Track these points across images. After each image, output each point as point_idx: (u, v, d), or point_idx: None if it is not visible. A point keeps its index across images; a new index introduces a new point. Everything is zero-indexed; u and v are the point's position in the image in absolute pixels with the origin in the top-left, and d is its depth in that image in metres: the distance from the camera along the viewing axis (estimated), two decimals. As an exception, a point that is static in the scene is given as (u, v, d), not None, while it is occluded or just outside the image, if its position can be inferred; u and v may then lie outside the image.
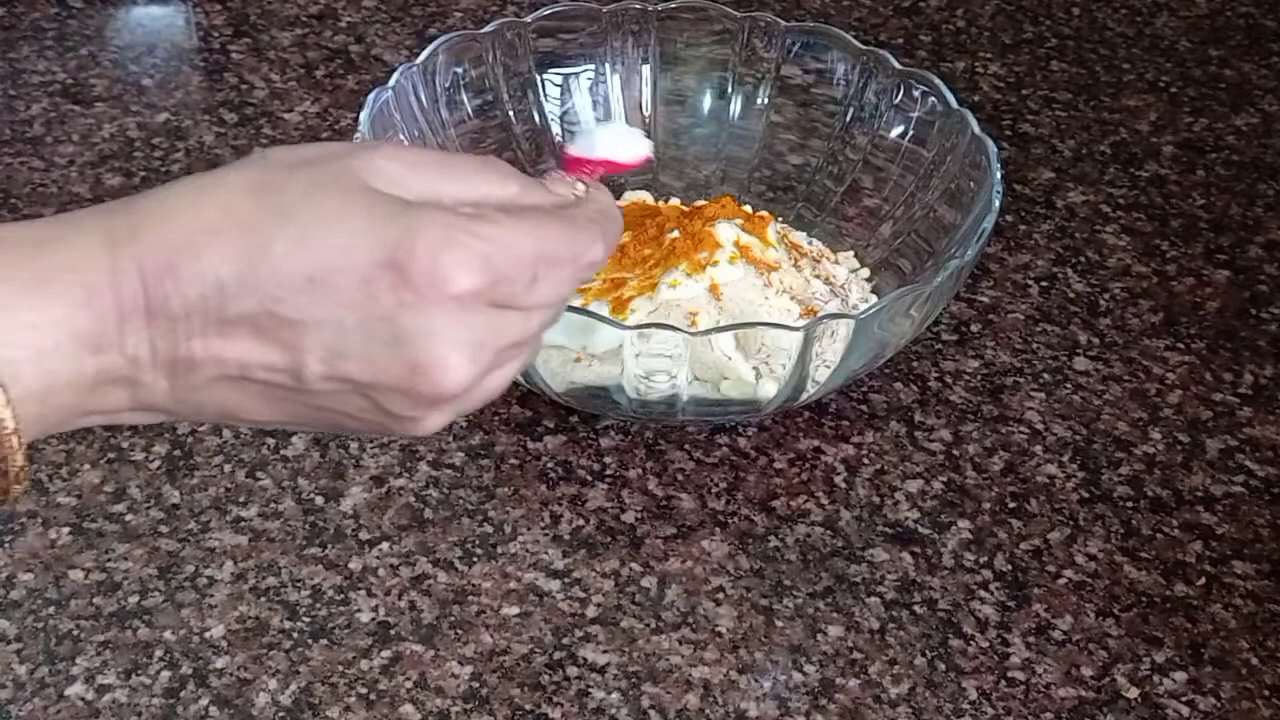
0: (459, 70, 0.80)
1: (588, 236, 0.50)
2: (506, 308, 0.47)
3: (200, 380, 0.46)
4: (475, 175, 0.49)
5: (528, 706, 0.62)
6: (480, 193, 0.48)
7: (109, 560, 0.67)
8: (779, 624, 0.66)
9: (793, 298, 0.74)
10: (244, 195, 0.45)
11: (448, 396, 0.47)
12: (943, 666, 0.65)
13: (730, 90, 0.84)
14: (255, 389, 0.46)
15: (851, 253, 0.81)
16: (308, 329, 0.45)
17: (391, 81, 0.76)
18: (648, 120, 0.85)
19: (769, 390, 0.70)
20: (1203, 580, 0.69)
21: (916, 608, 0.67)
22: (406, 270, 0.45)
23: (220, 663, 0.63)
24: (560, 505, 0.70)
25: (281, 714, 0.62)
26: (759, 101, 0.84)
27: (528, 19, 0.82)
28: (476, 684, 0.63)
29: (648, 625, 0.66)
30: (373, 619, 0.65)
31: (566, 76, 0.84)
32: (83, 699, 0.62)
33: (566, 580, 0.67)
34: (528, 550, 0.68)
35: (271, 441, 0.72)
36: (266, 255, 0.44)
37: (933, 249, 0.77)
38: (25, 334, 0.43)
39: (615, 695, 0.63)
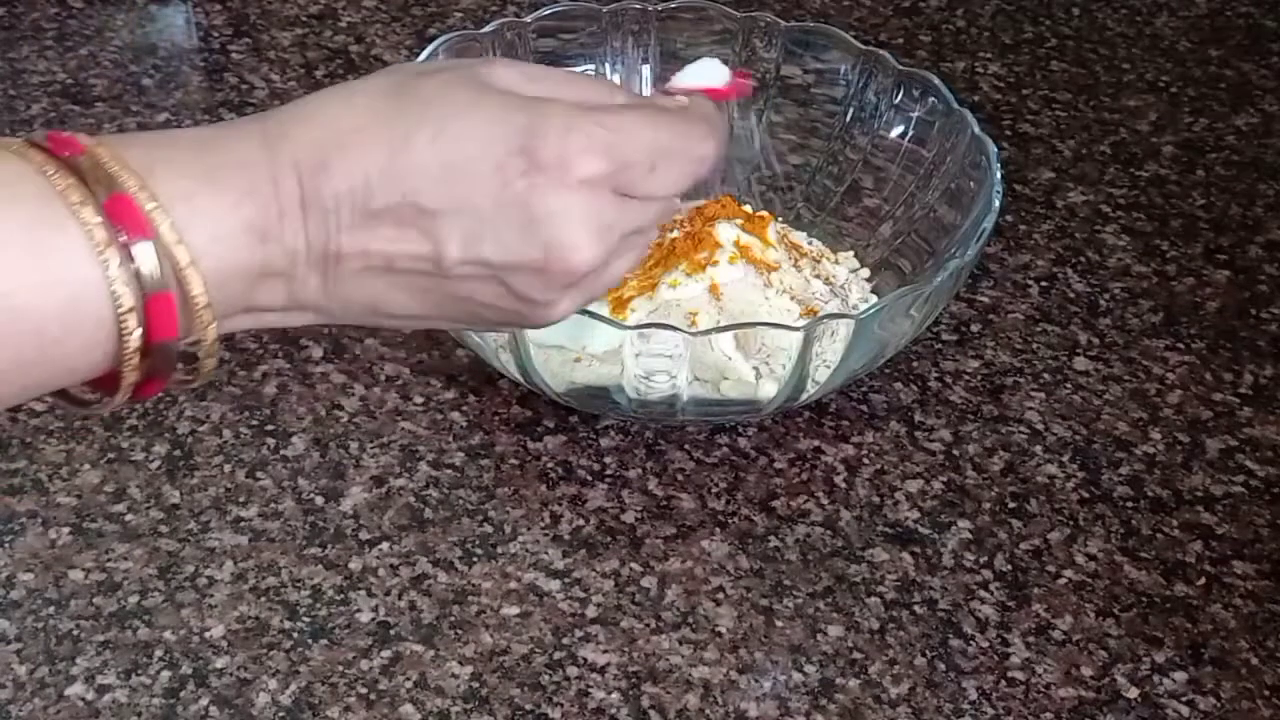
0: (459, 70, 0.80)
1: (700, 131, 0.53)
2: (627, 195, 0.50)
3: (347, 273, 0.48)
4: (588, 84, 0.53)
5: (528, 706, 0.62)
6: (595, 97, 0.51)
7: (109, 560, 0.67)
8: (779, 624, 0.66)
9: (793, 298, 0.74)
10: (383, 97, 0.48)
11: (577, 276, 0.50)
12: (943, 666, 0.65)
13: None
14: (400, 280, 0.49)
15: (851, 253, 0.81)
16: (446, 216, 0.48)
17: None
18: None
19: (769, 390, 0.70)
20: (1203, 580, 0.69)
21: (916, 608, 0.67)
22: (536, 155, 0.48)
23: (220, 663, 0.63)
24: (560, 505, 0.70)
25: (281, 714, 0.62)
26: (759, 101, 0.84)
27: (528, 19, 0.81)
28: (476, 684, 0.63)
29: (648, 625, 0.66)
30: (373, 619, 0.65)
31: (566, 76, 0.84)
32: (83, 699, 0.62)
33: (566, 580, 0.67)
34: (528, 550, 0.68)
35: (271, 442, 0.72)
36: (406, 148, 0.47)
37: (933, 249, 0.77)
38: (206, 218, 0.45)
39: (615, 695, 0.63)
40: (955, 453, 0.74)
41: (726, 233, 0.74)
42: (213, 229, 0.45)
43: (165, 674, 0.63)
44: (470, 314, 0.51)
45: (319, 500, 0.70)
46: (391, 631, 0.65)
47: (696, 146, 0.52)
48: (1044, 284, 0.84)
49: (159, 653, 0.64)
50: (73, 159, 0.44)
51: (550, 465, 0.72)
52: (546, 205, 0.48)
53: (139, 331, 0.44)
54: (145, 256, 0.43)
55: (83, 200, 0.43)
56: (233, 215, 0.45)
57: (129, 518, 0.69)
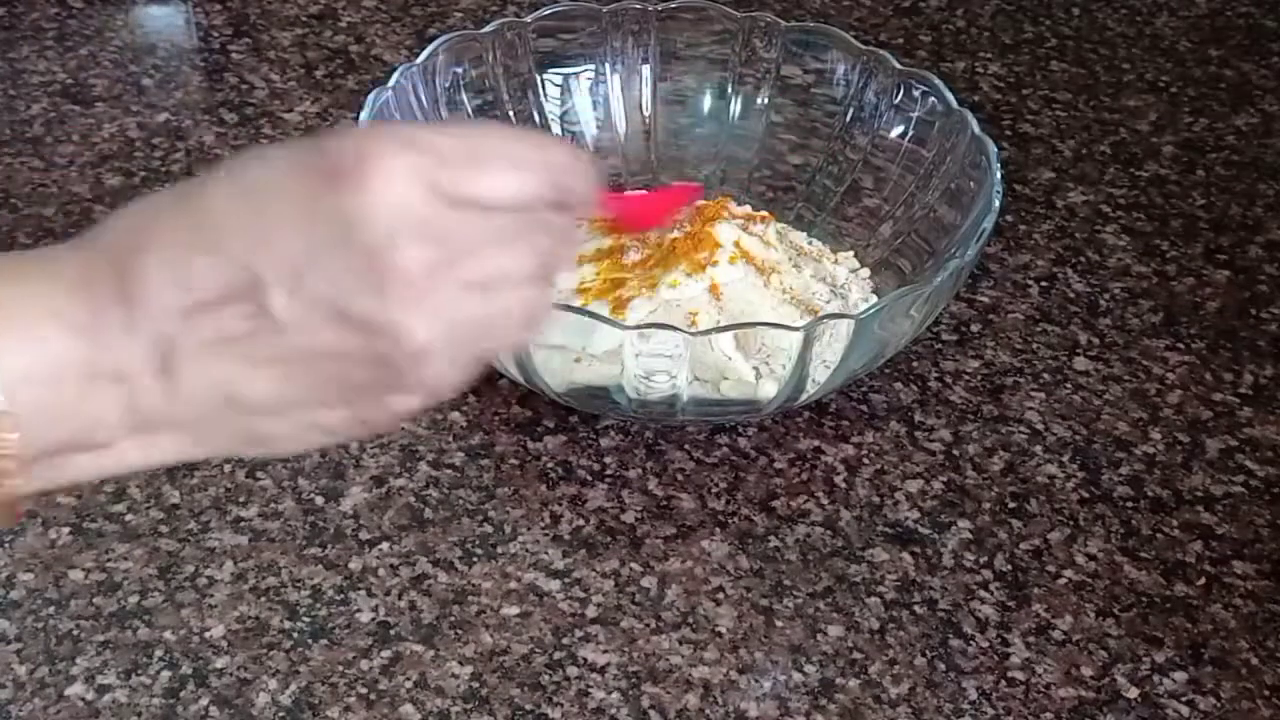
0: (459, 70, 0.80)
1: (542, 139, 0.48)
2: (455, 199, 0.45)
3: (184, 358, 0.44)
4: None
5: (528, 706, 0.62)
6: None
7: (109, 560, 0.67)
8: (779, 624, 0.66)
9: (793, 298, 0.74)
10: (171, 197, 0.46)
11: (414, 275, 0.44)
12: (943, 666, 0.65)
13: (730, 90, 0.84)
14: (240, 350, 0.45)
15: (851, 253, 0.81)
16: (258, 259, 0.44)
17: (391, 81, 0.76)
18: (648, 120, 0.85)
19: (769, 390, 0.70)
20: (1203, 580, 0.69)
21: (916, 608, 0.67)
22: (336, 164, 0.44)
23: (220, 663, 0.63)
24: (560, 505, 0.70)
25: (281, 714, 0.62)
26: (759, 101, 0.84)
27: (528, 19, 0.82)
28: (476, 684, 0.63)
29: (648, 625, 0.66)
30: (373, 619, 0.65)
31: (566, 76, 0.84)
32: (83, 699, 0.62)
33: (566, 580, 0.67)
34: (528, 550, 0.68)
35: (271, 441, 0.72)
36: (207, 212, 0.44)
37: (933, 249, 0.77)
38: (15, 345, 0.43)
39: (615, 695, 0.63)
40: (955, 453, 0.74)
41: (726, 233, 0.74)
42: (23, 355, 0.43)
43: (165, 674, 0.63)
44: (328, 377, 0.46)
45: (319, 500, 0.70)
46: (391, 631, 0.65)
47: (525, 149, 0.47)
48: (1044, 284, 0.84)
49: (159, 653, 0.64)
50: None
51: (550, 465, 0.72)
52: (354, 207, 0.44)
53: None
54: None
55: None
56: (44, 311, 0.43)
57: (129, 518, 0.69)
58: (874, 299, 0.78)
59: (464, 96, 0.80)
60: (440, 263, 0.45)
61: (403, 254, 0.44)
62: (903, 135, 0.80)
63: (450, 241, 0.45)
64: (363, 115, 0.73)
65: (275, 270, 0.44)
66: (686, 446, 0.73)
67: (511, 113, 0.82)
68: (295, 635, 0.64)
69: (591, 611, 0.66)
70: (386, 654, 0.64)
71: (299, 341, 0.45)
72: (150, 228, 0.45)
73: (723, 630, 0.66)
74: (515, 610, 0.66)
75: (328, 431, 0.48)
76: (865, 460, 0.73)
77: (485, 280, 0.46)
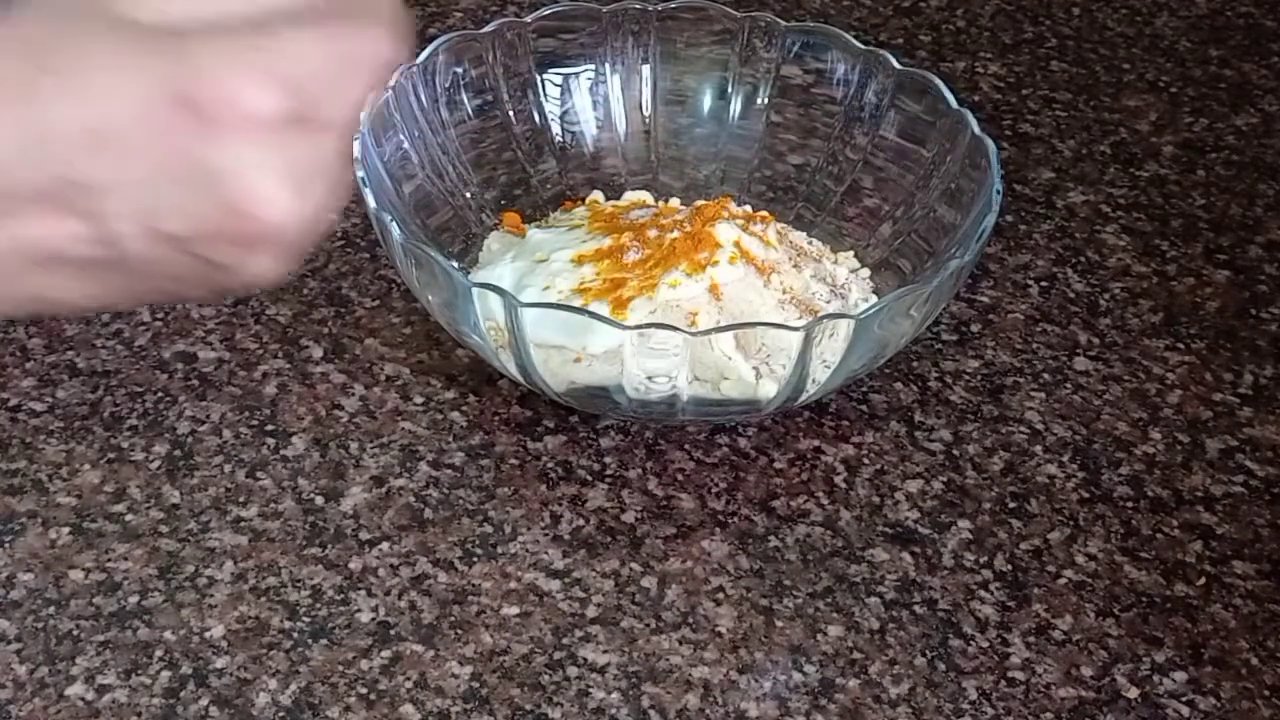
0: (459, 70, 0.80)
1: (376, 33, 0.46)
2: (310, 122, 0.44)
3: (7, 271, 0.42)
4: None
5: (528, 706, 0.62)
6: (259, 6, 0.44)
7: (109, 560, 0.67)
8: (779, 624, 0.66)
9: (793, 298, 0.74)
10: (5, 58, 0.41)
11: (274, 230, 0.43)
12: (943, 666, 0.65)
13: (730, 90, 0.84)
14: (69, 270, 0.43)
15: (851, 253, 0.81)
16: (107, 191, 0.41)
17: (391, 81, 0.75)
18: (648, 120, 0.85)
19: (769, 390, 0.70)
20: (1203, 580, 0.69)
21: (916, 608, 0.67)
22: (195, 102, 0.41)
23: (220, 663, 0.63)
24: (560, 505, 0.70)
25: (281, 714, 0.62)
26: (759, 101, 0.84)
27: (528, 19, 0.81)
28: (476, 684, 0.63)
29: (648, 625, 0.66)
30: (373, 619, 0.65)
31: (566, 76, 0.84)
32: (83, 699, 0.62)
33: (566, 580, 0.67)
34: (528, 550, 0.68)
35: (271, 442, 0.72)
36: (42, 119, 0.41)
37: (933, 249, 0.77)
38: None
39: (615, 695, 0.63)
40: (955, 453, 0.74)
41: (726, 233, 0.74)
42: None
43: (165, 674, 0.63)
44: (159, 290, 0.45)
45: (319, 500, 0.70)
46: (391, 631, 0.65)
47: (377, 50, 0.46)
48: (1044, 284, 0.84)
49: (159, 653, 0.64)
50: None
51: (550, 465, 0.72)
52: (219, 157, 0.42)
53: None
54: None
55: None
56: None
57: (129, 518, 0.69)
58: (874, 299, 0.78)
59: (464, 96, 0.80)
60: (298, 199, 0.43)
61: (269, 209, 0.43)
62: (903, 135, 0.80)
63: (304, 168, 0.44)
64: (362, 115, 0.73)
65: (124, 204, 0.42)
66: (686, 446, 0.73)
67: (511, 113, 0.82)
68: (295, 635, 0.64)
69: (591, 611, 0.66)
70: (386, 654, 0.64)
71: (139, 268, 0.43)
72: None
73: (723, 630, 0.66)
74: (515, 610, 0.66)
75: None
76: (865, 460, 0.73)
77: (319, 191, 0.45)
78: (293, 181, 0.43)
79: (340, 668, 0.63)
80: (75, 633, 0.64)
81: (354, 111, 0.46)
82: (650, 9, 0.83)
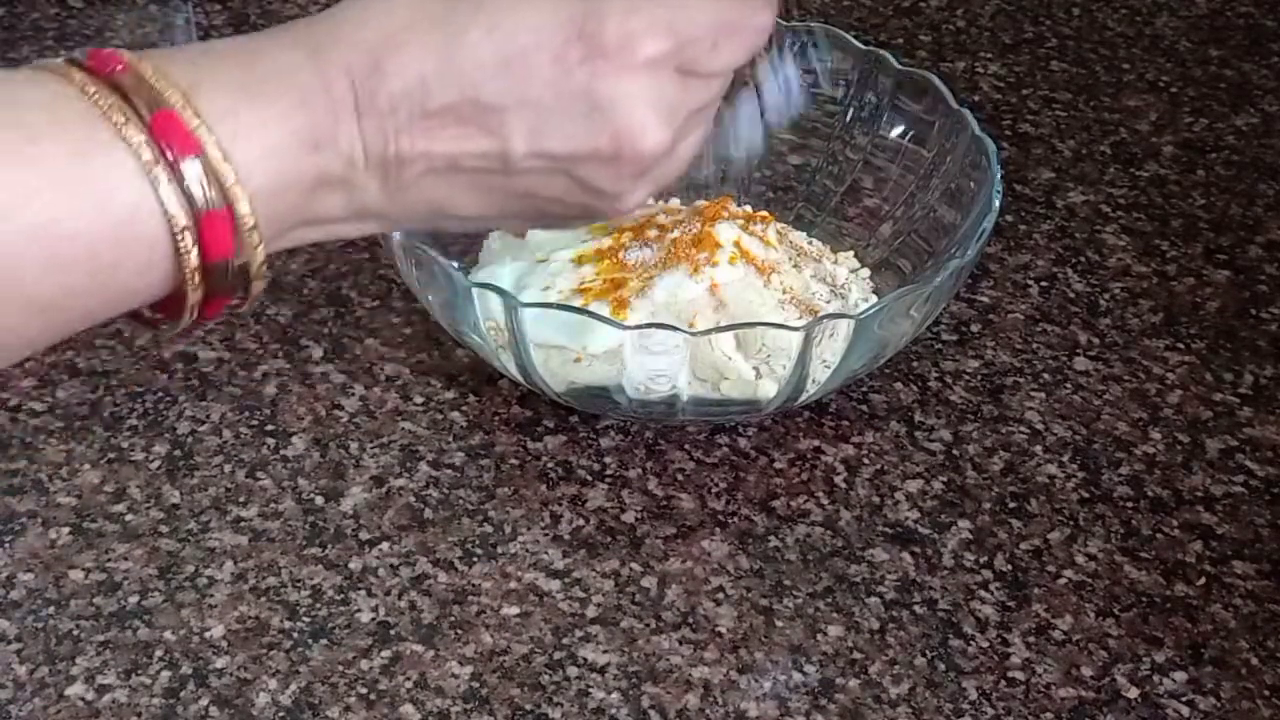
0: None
1: (758, 3, 0.52)
2: (691, 73, 0.49)
3: (410, 177, 0.47)
4: None
5: (528, 706, 0.62)
6: None
7: (109, 560, 0.67)
8: (779, 624, 0.66)
9: (793, 298, 0.74)
10: None
11: (647, 161, 0.49)
12: (943, 666, 0.65)
13: (730, 90, 0.84)
14: (464, 180, 0.48)
15: (851, 253, 0.81)
16: (508, 111, 0.47)
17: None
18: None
19: (769, 390, 0.71)
20: (1203, 580, 0.69)
21: (916, 608, 0.67)
22: (597, 40, 0.47)
23: (220, 663, 0.63)
24: (560, 505, 0.70)
25: (281, 714, 0.62)
26: (759, 101, 0.84)
27: (528, 19, 0.81)
28: (476, 684, 0.63)
29: (648, 625, 0.66)
30: (373, 619, 0.65)
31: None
32: (83, 699, 0.62)
33: (566, 580, 0.67)
34: (528, 550, 0.68)
35: (271, 442, 0.72)
36: (462, 45, 0.46)
37: (933, 249, 0.77)
38: (252, 133, 0.44)
39: (615, 695, 0.63)
40: (955, 453, 0.74)
41: (726, 233, 0.74)
42: (261, 144, 0.44)
43: (165, 674, 0.63)
44: (537, 210, 0.50)
45: (319, 500, 0.70)
46: (391, 631, 0.65)
47: (756, 17, 0.51)
48: (1044, 284, 0.84)
49: (159, 653, 0.64)
50: (115, 76, 0.43)
51: (550, 465, 0.72)
52: (611, 90, 0.47)
53: (195, 250, 0.43)
54: (194, 174, 0.43)
55: (126, 119, 0.42)
56: (281, 127, 0.45)
57: (129, 518, 0.69)
58: (874, 299, 0.78)
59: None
60: (672, 138, 0.49)
61: (645, 140, 0.48)
62: (903, 135, 0.80)
63: (681, 111, 0.49)
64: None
65: (520, 123, 0.47)
66: (686, 446, 0.73)
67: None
68: (295, 635, 0.64)
69: (591, 611, 0.66)
70: (386, 654, 0.64)
71: (524, 184, 0.49)
72: (397, 43, 0.46)
73: (723, 630, 0.66)
74: (515, 610, 0.66)
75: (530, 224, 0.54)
76: (865, 460, 0.73)
77: (692, 133, 0.51)
78: (670, 120, 0.49)
79: (340, 668, 0.63)
80: (75, 633, 0.64)
81: (731, 69, 0.52)
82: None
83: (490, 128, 0.47)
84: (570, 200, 0.50)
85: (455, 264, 0.75)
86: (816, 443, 0.74)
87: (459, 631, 0.65)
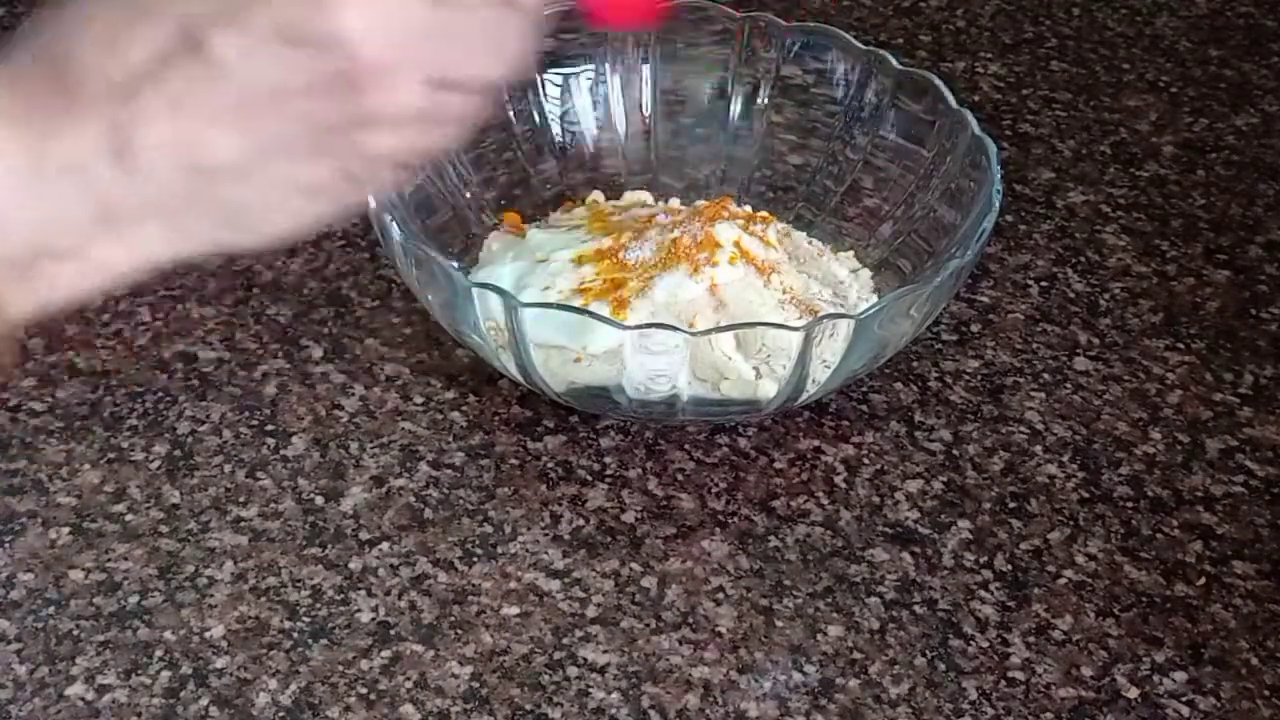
0: (459, 70, 0.80)
1: None
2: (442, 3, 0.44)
3: (136, 131, 0.43)
4: None
5: (528, 706, 0.62)
6: None
7: (109, 560, 0.67)
8: (779, 624, 0.66)
9: (793, 298, 0.74)
10: None
11: (378, 73, 0.42)
12: (943, 666, 0.65)
13: (730, 90, 0.84)
14: (188, 110, 0.43)
15: (851, 253, 0.81)
16: (190, 5, 0.43)
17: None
18: (648, 120, 0.85)
19: (769, 390, 0.71)
20: (1203, 580, 0.69)
21: (916, 608, 0.67)
22: None
23: (220, 663, 0.63)
24: (560, 505, 0.70)
25: (281, 714, 0.62)
26: (759, 101, 0.84)
27: (528, 19, 0.81)
28: (476, 684, 0.63)
29: (648, 625, 0.66)
30: (373, 619, 0.65)
31: (566, 76, 0.84)
32: (83, 699, 0.62)
33: (566, 580, 0.67)
34: (528, 550, 0.68)
35: (271, 442, 0.72)
36: None
37: (933, 249, 0.77)
38: None
39: (615, 695, 0.63)
40: (955, 453, 0.74)
41: (726, 233, 0.74)
42: None
43: (165, 674, 0.63)
44: (298, 117, 0.43)
45: (319, 500, 0.70)
46: (391, 631, 0.65)
47: None
48: (1044, 284, 0.84)
49: (159, 653, 0.64)
50: None
51: (550, 465, 0.72)
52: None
53: None
54: None
55: None
56: None
57: (129, 518, 0.69)
58: (874, 299, 0.78)
59: (464, 96, 0.80)
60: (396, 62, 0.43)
61: (362, 46, 0.42)
62: (903, 135, 0.80)
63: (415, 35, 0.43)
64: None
65: (210, 12, 0.42)
66: (686, 446, 0.73)
67: (512, 113, 0.82)
68: (295, 635, 0.64)
69: (591, 611, 0.66)
70: (386, 654, 0.64)
71: (247, 79, 0.43)
72: (79, 19, 0.44)
73: (723, 630, 0.66)
74: (515, 610, 0.66)
75: (311, 192, 0.45)
76: (865, 460, 0.73)
77: None
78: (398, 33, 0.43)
79: (340, 668, 0.63)
80: (75, 633, 0.64)
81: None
82: (650, 9, 0.83)
83: (184, 37, 0.42)
84: (312, 85, 0.43)
85: (455, 264, 0.75)
86: (816, 443, 0.74)
87: (459, 631, 0.65)
